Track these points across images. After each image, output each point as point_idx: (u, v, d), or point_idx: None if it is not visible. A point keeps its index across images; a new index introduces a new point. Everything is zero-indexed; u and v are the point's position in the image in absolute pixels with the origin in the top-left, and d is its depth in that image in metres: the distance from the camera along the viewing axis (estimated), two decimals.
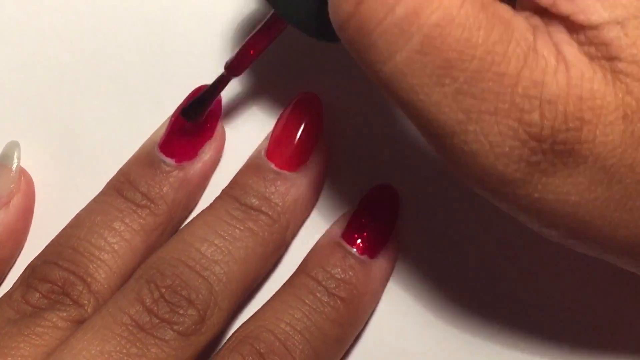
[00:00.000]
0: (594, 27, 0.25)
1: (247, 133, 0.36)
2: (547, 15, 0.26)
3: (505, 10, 0.26)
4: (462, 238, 0.36)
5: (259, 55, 0.33)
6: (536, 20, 0.27)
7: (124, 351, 0.31)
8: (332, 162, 0.36)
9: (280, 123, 0.35)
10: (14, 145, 0.36)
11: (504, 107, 0.25)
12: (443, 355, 0.36)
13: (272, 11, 0.32)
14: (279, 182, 0.34)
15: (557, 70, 0.25)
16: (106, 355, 0.31)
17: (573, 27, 0.26)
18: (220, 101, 0.35)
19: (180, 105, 0.35)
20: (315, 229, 0.36)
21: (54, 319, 0.32)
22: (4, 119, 0.37)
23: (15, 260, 0.36)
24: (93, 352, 0.31)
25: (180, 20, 0.37)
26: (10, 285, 0.34)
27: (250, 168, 0.35)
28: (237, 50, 0.33)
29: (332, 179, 0.36)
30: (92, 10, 0.37)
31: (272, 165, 0.34)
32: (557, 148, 0.26)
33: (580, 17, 0.25)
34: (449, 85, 0.25)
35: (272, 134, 0.35)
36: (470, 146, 0.26)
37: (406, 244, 0.36)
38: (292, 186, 0.34)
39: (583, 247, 0.29)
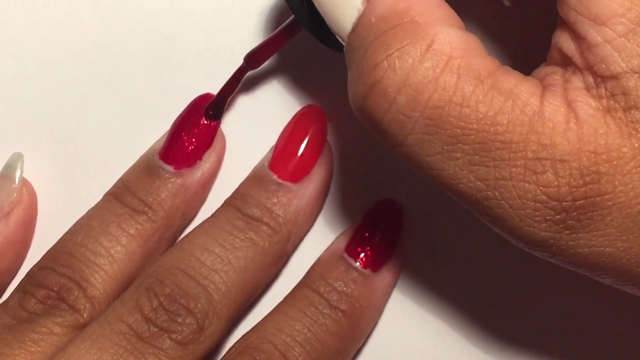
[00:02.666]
0: (613, 76, 0.26)
1: (250, 146, 0.36)
2: (572, 66, 0.27)
3: (507, 79, 0.27)
4: (465, 252, 0.36)
5: (276, 51, 0.35)
6: (557, 77, 0.27)
7: None
8: (336, 174, 0.36)
9: (284, 135, 0.35)
10: (17, 157, 0.36)
11: (518, 171, 0.26)
12: None
13: (292, 17, 0.33)
14: (281, 194, 0.34)
15: (567, 130, 0.26)
16: None
17: (595, 78, 0.26)
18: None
19: (180, 115, 0.35)
20: (317, 241, 0.36)
21: (50, 325, 0.32)
22: (8, 130, 0.37)
23: (17, 272, 0.36)
24: None
25: (182, 32, 0.37)
26: None
27: (253, 179, 0.35)
28: (258, 44, 0.34)
29: (335, 191, 0.36)
30: (95, 21, 0.37)
31: (275, 177, 0.34)
32: (579, 204, 0.26)
33: (601, 67, 0.26)
34: (461, 158, 0.27)
35: (275, 146, 0.35)
36: (494, 211, 0.27)
37: (409, 257, 0.36)
38: (294, 198, 0.34)
39: (637, 291, 0.29)
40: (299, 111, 0.35)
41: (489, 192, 0.27)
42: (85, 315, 0.32)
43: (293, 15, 0.33)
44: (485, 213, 0.27)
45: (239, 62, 0.36)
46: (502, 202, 0.27)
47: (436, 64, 0.26)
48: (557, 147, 0.26)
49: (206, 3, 0.37)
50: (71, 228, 0.34)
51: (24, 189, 0.35)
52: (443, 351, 0.35)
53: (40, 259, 0.34)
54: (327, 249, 0.35)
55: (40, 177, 0.36)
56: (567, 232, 0.27)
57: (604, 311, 0.35)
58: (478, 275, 0.36)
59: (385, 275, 0.35)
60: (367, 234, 0.35)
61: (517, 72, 0.27)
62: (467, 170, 0.27)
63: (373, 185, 0.36)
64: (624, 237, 0.27)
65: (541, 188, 0.26)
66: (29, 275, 0.33)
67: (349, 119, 0.36)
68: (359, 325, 0.34)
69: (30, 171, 0.36)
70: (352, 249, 0.34)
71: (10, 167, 0.35)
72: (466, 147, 0.26)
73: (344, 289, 0.33)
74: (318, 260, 0.35)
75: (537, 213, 0.26)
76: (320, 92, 0.36)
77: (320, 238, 0.36)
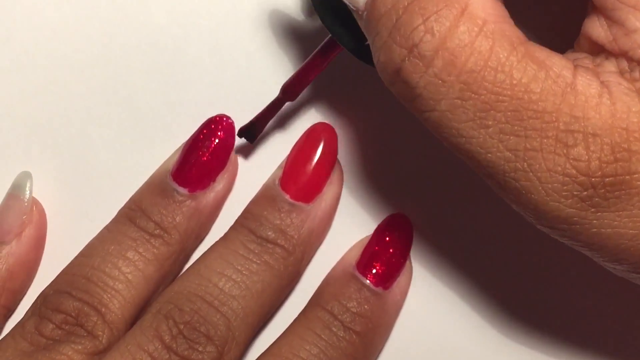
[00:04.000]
0: None
1: (257, 160, 0.36)
2: (605, 53, 0.27)
3: (539, 50, 0.27)
4: (476, 265, 0.36)
5: (313, 79, 0.34)
6: (587, 62, 0.27)
7: None
8: (344, 188, 0.36)
9: (294, 153, 0.35)
10: (25, 176, 0.35)
11: (549, 143, 0.26)
12: None
13: (328, 37, 0.33)
14: (294, 215, 0.34)
15: (600, 104, 0.26)
16: None
17: (630, 63, 0.26)
18: (233, 133, 0.35)
19: (193, 136, 0.35)
20: (325, 254, 0.36)
21: (70, 352, 0.32)
22: (15, 148, 0.36)
23: (27, 290, 0.36)
24: None
25: (188, 46, 0.36)
26: (22, 315, 0.34)
27: (265, 198, 0.35)
28: (293, 74, 0.34)
29: (344, 204, 0.36)
30: (105, 39, 0.36)
31: (287, 197, 0.34)
32: (608, 181, 0.26)
33: (638, 52, 0.26)
34: (492, 126, 0.26)
35: (286, 164, 0.35)
36: (521, 183, 0.27)
37: (419, 272, 0.36)
38: (307, 218, 0.34)
39: None
40: (309, 128, 0.35)
41: (518, 163, 0.26)
42: (104, 341, 0.32)
43: (329, 38, 0.32)
44: (511, 186, 0.27)
45: (244, 76, 0.36)
46: (530, 173, 0.26)
47: (471, 27, 0.26)
48: (590, 120, 0.26)
49: (212, 17, 0.37)
50: (85, 251, 0.34)
51: (34, 208, 0.35)
52: None
53: (55, 281, 0.34)
54: (337, 265, 0.35)
55: (46, 194, 0.36)
56: (593, 210, 0.27)
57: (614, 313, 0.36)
58: (489, 288, 0.36)
59: (396, 292, 0.35)
60: (377, 251, 0.35)
61: (546, 48, 0.27)
62: (497, 139, 0.26)
63: (382, 200, 0.36)
64: None
65: (571, 161, 0.26)
66: (44, 298, 0.33)
67: (357, 133, 0.36)
68: (372, 344, 0.34)
69: (38, 189, 0.36)
70: (363, 266, 0.34)
71: (19, 187, 0.35)
72: (498, 114, 0.26)
73: (358, 309, 0.34)
74: (329, 277, 0.35)
75: (564, 187, 0.26)
76: (330, 108, 0.36)
77: (329, 251, 0.36)
